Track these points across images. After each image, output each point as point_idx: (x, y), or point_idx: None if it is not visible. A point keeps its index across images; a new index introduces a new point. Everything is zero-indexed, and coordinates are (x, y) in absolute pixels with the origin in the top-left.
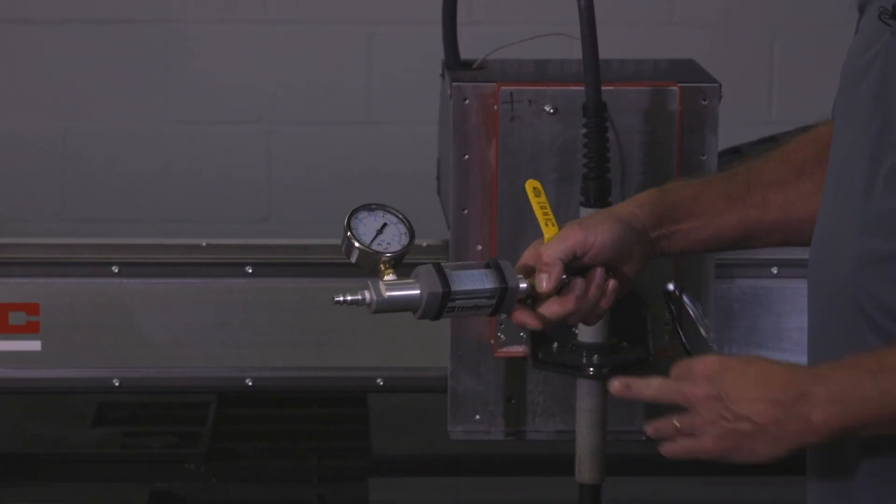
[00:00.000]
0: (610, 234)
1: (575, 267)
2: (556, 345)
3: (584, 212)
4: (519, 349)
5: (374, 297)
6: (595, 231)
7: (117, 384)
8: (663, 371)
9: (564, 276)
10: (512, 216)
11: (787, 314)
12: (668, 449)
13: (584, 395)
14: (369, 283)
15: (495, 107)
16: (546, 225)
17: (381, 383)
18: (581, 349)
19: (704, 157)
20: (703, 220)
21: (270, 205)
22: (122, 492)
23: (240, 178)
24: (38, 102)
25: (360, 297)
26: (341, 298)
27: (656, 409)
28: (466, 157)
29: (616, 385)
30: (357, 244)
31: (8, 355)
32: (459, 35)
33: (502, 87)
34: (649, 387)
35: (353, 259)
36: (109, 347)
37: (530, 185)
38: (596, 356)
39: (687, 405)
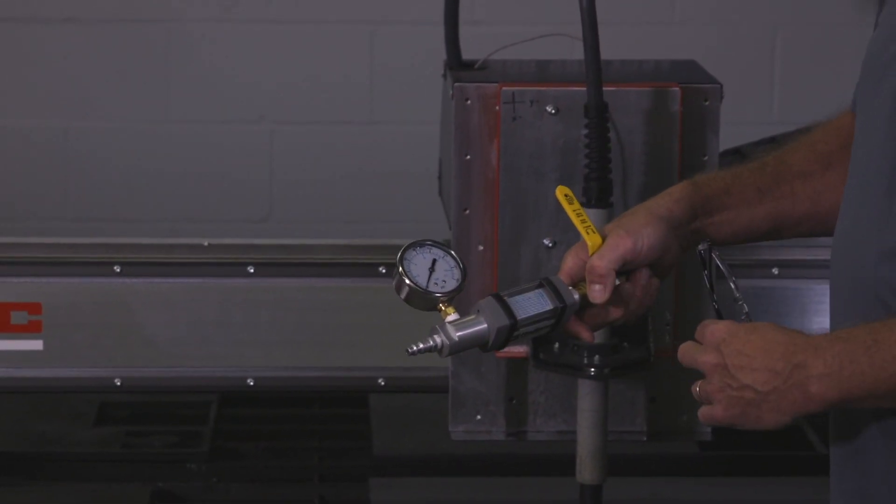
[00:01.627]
0: (655, 236)
1: (621, 271)
2: (557, 345)
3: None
4: (520, 349)
5: (446, 341)
6: (642, 235)
7: (119, 384)
8: (663, 370)
9: (617, 281)
10: (513, 216)
11: (788, 315)
12: (698, 414)
13: (586, 396)
14: (437, 327)
15: (497, 107)
16: (588, 233)
17: (383, 383)
18: (582, 349)
19: (706, 158)
20: (734, 212)
21: (272, 204)
22: (123, 491)
23: (242, 177)
24: (40, 101)
25: (431, 343)
26: (415, 348)
27: (657, 410)
28: (468, 157)
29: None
30: (412, 285)
31: (10, 354)
32: (461, 35)
33: (504, 88)
34: (679, 350)
35: (403, 296)
36: (111, 347)
37: (561, 191)
38: (597, 356)
39: (701, 371)
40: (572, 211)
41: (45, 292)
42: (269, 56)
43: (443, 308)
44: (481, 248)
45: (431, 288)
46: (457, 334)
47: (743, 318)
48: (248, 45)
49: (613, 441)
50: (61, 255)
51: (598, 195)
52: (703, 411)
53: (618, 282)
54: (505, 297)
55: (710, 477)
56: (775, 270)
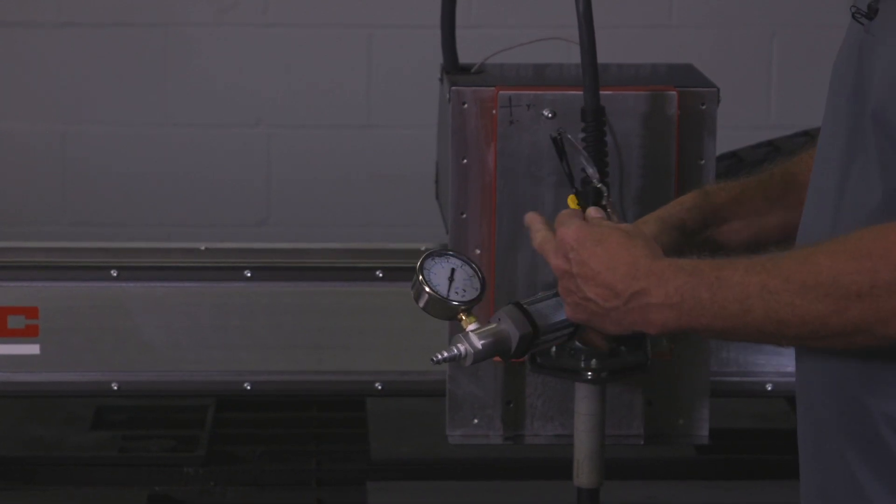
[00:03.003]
0: (669, 245)
1: None
2: (554, 349)
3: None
4: None
5: (470, 350)
6: (656, 244)
7: (116, 388)
8: (660, 374)
9: None
10: (510, 220)
11: None
12: None
13: (583, 399)
14: (460, 336)
15: (494, 111)
16: None
17: (380, 387)
18: (579, 353)
19: (702, 162)
20: (744, 221)
21: (269, 208)
22: (120, 495)
23: (239, 181)
24: (37, 105)
25: (455, 352)
26: (439, 357)
27: (654, 414)
28: (465, 160)
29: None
30: (433, 293)
31: (7, 358)
32: (458, 39)
33: (501, 91)
34: (535, 238)
35: (422, 305)
36: (108, 351)
37: (573, 199)
38: (594, 360)
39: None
40: None
41: (41, 296)
42: (267, 60)
43: (463, 317)
44: (478, 251)
45: (451, 297)
46: (480, 343)
47: (604, 203)
48: (245, 49)
49: (610, 444)
50: (58, 259)
51: (596, 199)
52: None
53: None
54: (525, 306)
55: (706, 480)
56: None
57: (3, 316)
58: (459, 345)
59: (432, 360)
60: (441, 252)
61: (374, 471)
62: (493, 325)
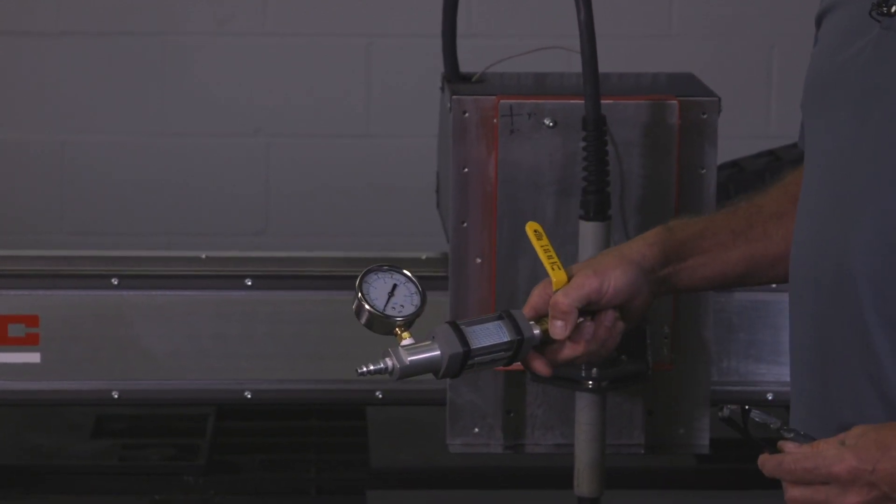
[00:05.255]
0: (624, 279)
1: (586, 310)
2: None
3: (583, 227)
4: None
5: (397, 365)
6: (609, 276)
7: (116, 396)
8: (659, 384)
9: (580, 319)
10: (511, 229)
11: (786, 327)
12: None
13: (583, 409)
14: (389, 350)
15: (495, 120)
16: (553, 269)
17: (380, 396)
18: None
19: (703, 171)
20: (708, 256)
21: (269, 217)
22: None
23: (238, 190)
24: (37, 114)
25: (382, 365)
26: (364, 369)
27: (655, 423)
28: (466, 170)
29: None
30: (371, 308)
31: (7, 367)
32: (459, 48)
33: (502, 101)
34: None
35: (363, 321)
36: (108, 359)
37: (531, 227)
38: (595, 369)
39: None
40: (540, 247)
41: (42, 305)
42: (266, 69)
43: (398, 332)
44: (479, 260)
45: (389, 312)
46: (408, 359)
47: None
48: (244, 58)
49: (611, 454)
50: (59, 268)
51: (596, 208)
52: None
53: (581, 320)
54: (462, 326)
55: (707, 490)
56: (773, 283)
57: (3, 324)
58: (388, 359)
59: (357, 371)
60: (380, 267)
61: (374, 479)
62: (426, 343)
